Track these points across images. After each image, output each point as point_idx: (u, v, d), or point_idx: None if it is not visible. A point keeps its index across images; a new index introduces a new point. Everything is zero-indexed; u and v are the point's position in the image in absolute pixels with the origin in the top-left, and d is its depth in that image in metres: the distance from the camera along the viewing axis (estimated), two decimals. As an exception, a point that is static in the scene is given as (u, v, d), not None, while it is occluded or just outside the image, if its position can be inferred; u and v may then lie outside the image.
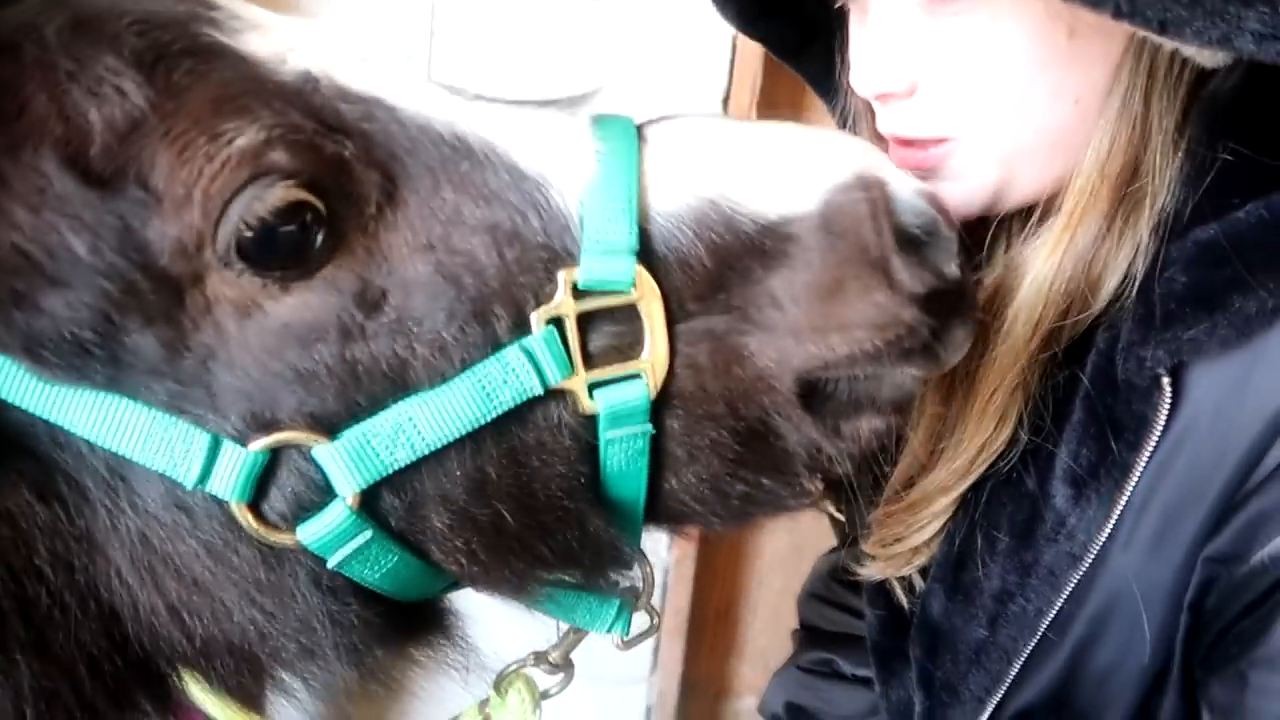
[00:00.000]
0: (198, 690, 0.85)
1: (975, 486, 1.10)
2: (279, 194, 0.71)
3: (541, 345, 0.78)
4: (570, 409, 0.80)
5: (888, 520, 1.15)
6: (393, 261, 0.76)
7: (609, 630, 0.93)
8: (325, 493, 0.76)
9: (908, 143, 1.02)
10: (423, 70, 2.81)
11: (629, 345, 0.80)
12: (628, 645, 0.94)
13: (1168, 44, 0.87)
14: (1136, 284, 0.95)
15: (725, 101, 2.74)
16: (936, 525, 1.12)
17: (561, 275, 0.78)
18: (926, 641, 1.18)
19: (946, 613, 1.14)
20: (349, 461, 0.75)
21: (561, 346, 0.78)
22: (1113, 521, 0.97)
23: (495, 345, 0.78)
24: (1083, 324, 1.00)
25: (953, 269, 0.85)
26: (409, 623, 0.88)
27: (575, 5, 2.73)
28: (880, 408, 0.87)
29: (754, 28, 1.22)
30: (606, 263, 0.78)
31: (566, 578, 0.86)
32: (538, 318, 0.78)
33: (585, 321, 0.79)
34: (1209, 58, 0.92)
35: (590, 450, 0.81)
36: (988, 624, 1.08)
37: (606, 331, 0.80)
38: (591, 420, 0.80)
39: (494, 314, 0.78)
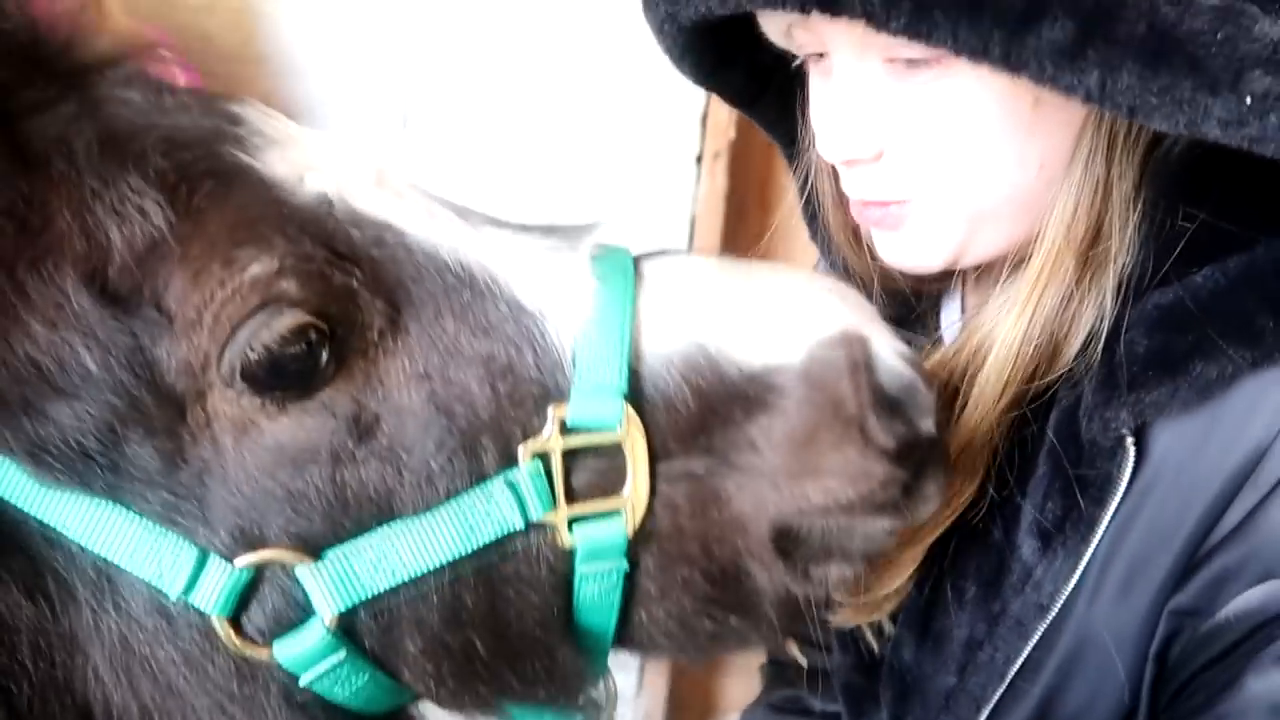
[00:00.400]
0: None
1: (943, 537, 1.10)
2: (286, 322, 0.72)
3: (526, 480, 0.78)
4: (549, 542, 0.80)
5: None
6: (389, 388, 0.77)
7: None
8: (304, 611, 0.77)
9: (869, 202, 1.03)
10: (400, 95, 2.82)
11: (610, 482, 0.80)
12: None
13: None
14: (1100, 344, 0.95)
15: (704, 119, 2.75)
16: (904, 575, 1.12)
17: (551, 411, 0.79)
18: (897, 687, 1.18)
19: (916, 660, 1.15)
20: (330, 584, 0.75)
21: (546, 481, 0.79)
22: (1079, 573, 0.97)
23: (481, 477, 0.78)
24: (1047, 381, 1.02)
25: (928, 426, 0.86)
26: None
27: (552, 24, 2.73)
28: (850, 557, 0.88)
29: (711, 80, 1.20)
30: (596, 403, 0.79)
31: (530, 700, 0.87)
32: (525, 452, 0.78)
33: (570, 457, 0.80)
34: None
35: (565, 582, 0.81)
36: (957, 671, 1.09)
37: (590, 468, 0.80)
38: (569, 554, 0.80)
39: (482, 446, 0.78)
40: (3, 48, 0.73)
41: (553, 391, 0.80)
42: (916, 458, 0.85)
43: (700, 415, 0.81)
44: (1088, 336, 0.98)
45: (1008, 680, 1.04)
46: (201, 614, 0.75)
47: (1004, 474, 1.04)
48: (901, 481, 0.84)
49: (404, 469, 0.77)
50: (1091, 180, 0.95)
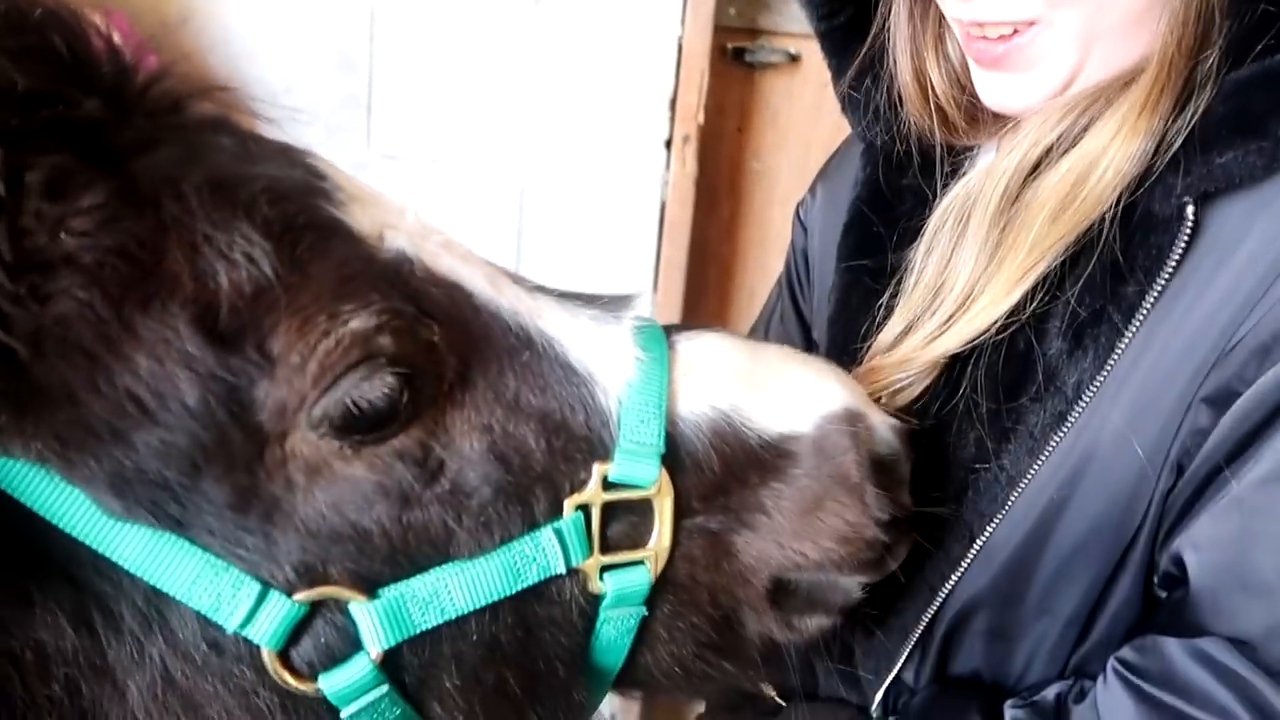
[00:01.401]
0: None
1: (959, 355, 1.05)
2: (385, 377, 0.75)
3: (570, 529, 0.84)
4: (581, 588, 0.85)
5: (869, 377, 1.11)
6: (454, 437, 0.81)
7: None
8: (353, 646, 0.79)
9: (986, 35, 0.98)
10: (365, 79, 2.77)
11: (640, 534, 0.87)
12: None
13: None
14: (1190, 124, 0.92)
15: (673, 104, 2.75)
16: (915, 390, 1.08)
17: (596, 468, 0.85)
18: None
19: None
20: (382, 621, 0.78)
21: (585, 531, 0.84)
22: (1106, 369, 0.94)
23: (531, 525, 0.83)
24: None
25: (906, 499, 0.96)
26: None
27: (520, 8, 2.71)
28: (829, 609, 0.98)
29: None
30: (637, 463, 0.86)
31: None
32: (570, 504, 0.84)
33: (606, 510, 0.86)
34: None
35: (590, 624, 0.87)
36: (955, 496, 1.04)
37: (624, 520, 0.87)
38: (597, 599, 0.86)
39: (535, 496, 0.83)
40: (99, 86, 0.74)
41: (598, 448, 0.86)
42: (896, 525, 0.94)
43: (722, 477, 0.89)
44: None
45: (1008, 506, 1.00)
46: (252, 647, 0.76)
47: (1047, 289, 0.99)
48: (884, 543, 0.94)
49: (464, 513, 0.81)
50: None
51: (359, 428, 0.76)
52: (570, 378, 0.86)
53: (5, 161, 0.66)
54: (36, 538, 0.72)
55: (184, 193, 0.73)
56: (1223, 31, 0.92)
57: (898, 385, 1.09)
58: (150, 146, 0.75)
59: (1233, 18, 0.91)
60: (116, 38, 0.78)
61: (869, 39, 1.19)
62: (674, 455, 0.87)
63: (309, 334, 0.73)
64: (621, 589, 0.86)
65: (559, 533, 0.83)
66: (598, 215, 2.87)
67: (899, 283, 1.13)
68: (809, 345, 1.39)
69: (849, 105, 1.26)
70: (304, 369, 0.73)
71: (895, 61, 1.15)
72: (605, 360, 0.88)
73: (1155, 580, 0.98)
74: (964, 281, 1.04)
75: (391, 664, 0.80)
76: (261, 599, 0.75)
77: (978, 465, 1.02)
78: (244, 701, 0.77)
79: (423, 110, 2.80)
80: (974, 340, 1.02)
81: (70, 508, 0.72)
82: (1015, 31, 0.97)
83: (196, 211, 0.73)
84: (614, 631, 0.88)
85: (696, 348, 0.93)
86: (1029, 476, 0.99)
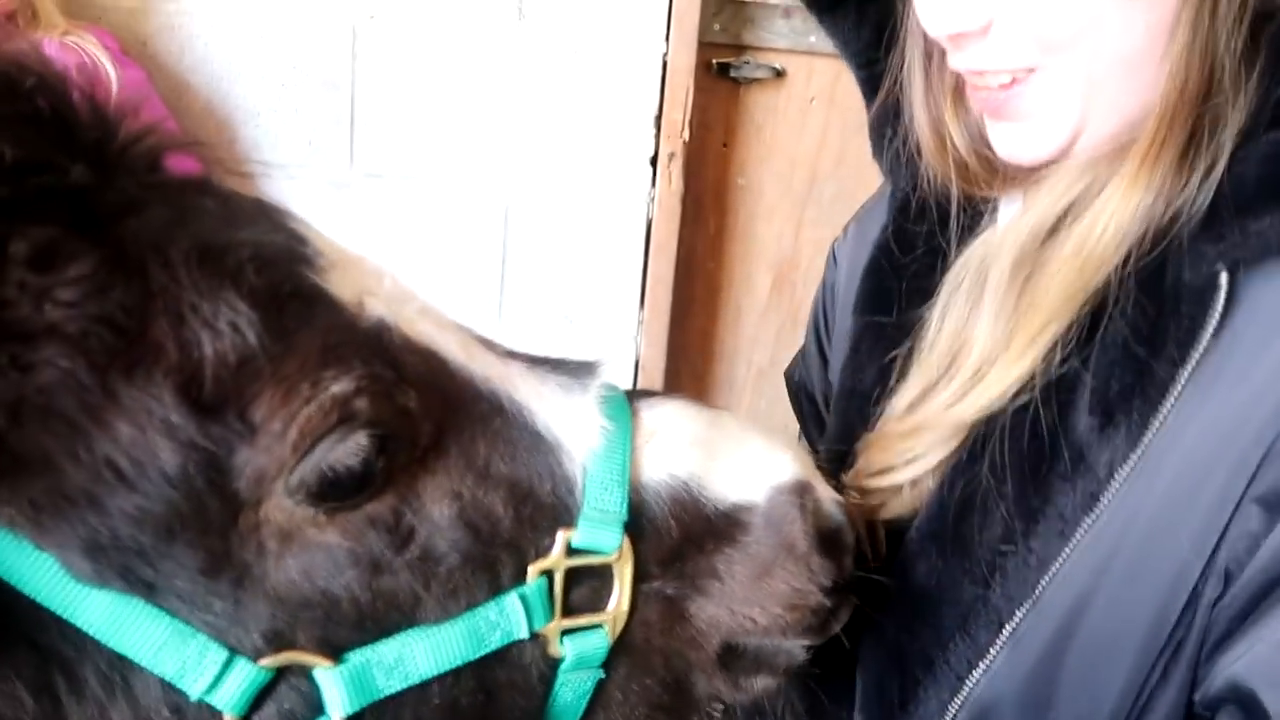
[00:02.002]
0: None
1: (979, 432, 1.00)
2: (359, 440, 0.76)
3: (534, 594, 0.85)
4: (541, 651, 0.87)
5: (882, 444, 1.08)
6: (426, 503, 0.82)
7: None
8: (315, 711, 0.79)
9: (988, 84, 0.98)
10: (347, 97, 2.75)
11: (599, 599, 0.89)
12: None
13: None
14: (1210, 194, 0.88)
15: (658, 120, 2.75)
16: (931, 460, 1.03)
17: (560, 535, 0.87)
18: (905, 612, 1.06)
19: (934, 572, 1.03)
20: (347, 686, 0.79)
21: (547, 596, 0.86)
22: (1140, 449, 0.87)
23: (496, 590, 0.84)
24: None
25: (849, 564, 1.00)
26: None
27: (504, 25, 2.70)
28: (774, 670, 1.01)
29: None
30: (600, 530, 0.88)
31: None
32: (534, 569, 0.85)
33: (569, 575, 0.87)
34: None
35: (548, 688, 0.89)
36: (983, 580, 0.97)
37: (585, 586, 0.89)
38: (556, 662, 0.88)
39: (501, 562, 0.85)
40: (84, 150, 0.74)
41: (563, 515, 0.87)
42: (840, 590, 0.98)
43: (679, 543, 0.92)
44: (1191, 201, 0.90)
45: (1038, 590, 0.93)
46: (215, 712, 0.76)
47: (1067, 352, 0.95)
48: (828, 609, 0.98)
49: (432, 579, 0.82)
50: (1199, 45, 0.89)
51: (334, 493, 0.76)
52: (539, 445, 0.88)
53: None
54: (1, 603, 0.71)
55: (171, 260, 0.73)
56: (1241, 83, 0.89)
57: (912, 455, 1.04)
58: (135, 209, 0.75)
59: (1260, 82, 0.88)
60: (98, 91, 0.77)
61: (884, 91, 1.19)
62: (635, 522, 0.90)
63: (292, 401, 0.73)
64: (581, 652, 0.87)
65: (523, 598, 0.84)
66: (583, 232, 2.86)
67: (912, 338, 1.11)
68: (826, 384, 1.39)
69: (876, 150, 1.26)
70: (285, 435, 0.73)
71: (912, 114, 1.14)
72: (572, 428, 0.90)
73: (1196, 699, 0.89)
74: (980, 345, 1.01)
75: None
76: (227, 665, 0.75)
77: (1004, 547, 0.95)
78: None
79: (406, 128, 2.78)
80: (992, 408, 0.98)
81: (38, 573, 0.71)
82: (1015, 80, 0.97)
83: (183, 279, 0.72)
84: (571, 694, 0.89)
85: (658, 415, 0.96)
86: (1059, 560, 0.92)
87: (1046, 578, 0.93)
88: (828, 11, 1.24)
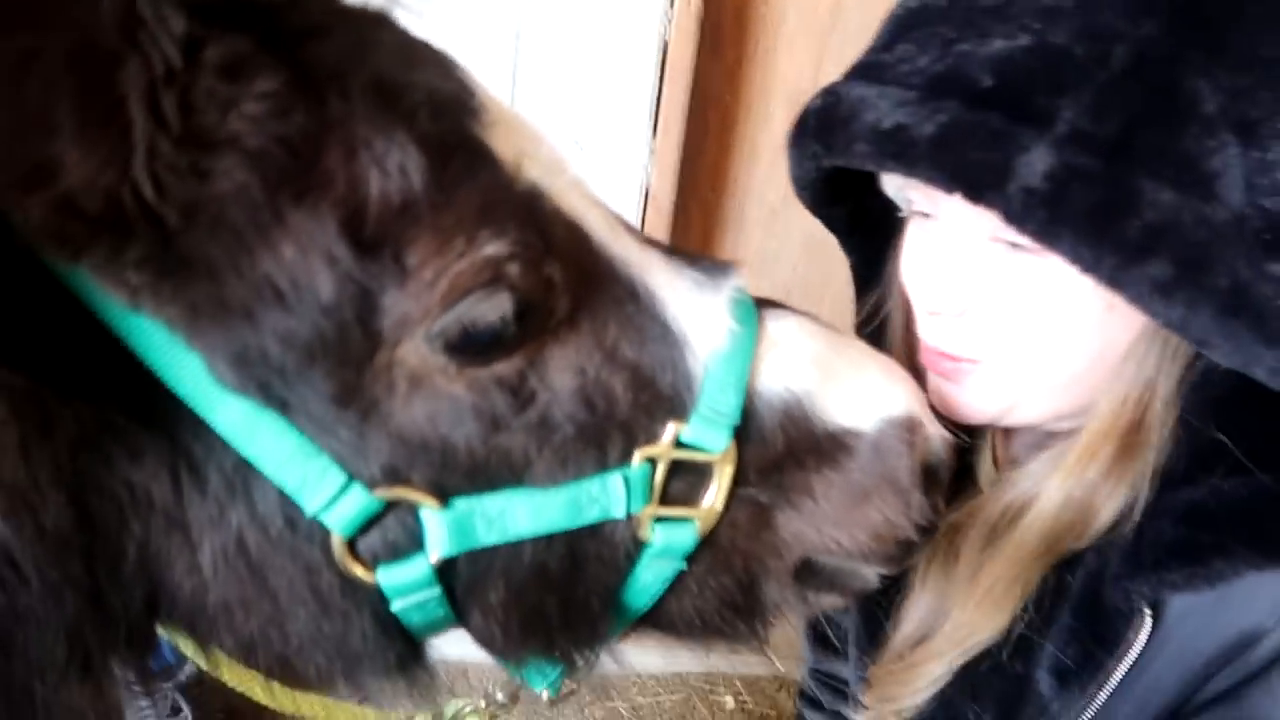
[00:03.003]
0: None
1: (966, 665, 1.21)
2: (503, 302, 0.78)
3: (636, 478, 0.87)
4: (632, 533, 0.90)
5: (887, 678, 1.27)
6: (551, 371, 0.84)
7: (543, 688, 1.04)
8: (416, 547, 0.83)
9: (942, 353, 1.13)
10: None
11: (695, 494, 0.91)
12: (553, 704, 1.06)
13: None
14: (1132, 523, 1.05)
15: (657, 100, 2.66)
16: (929, 692, 1.23)
17: (672, 426, 0.88)
18: None
19: None
20: (449, 529, 0.82)
21: (648, 482, 0.88)
22: (1093, 710, 1.09)
23: (602, 467, 0.87)
24: (1079, 543, 1.12)
25: (942, 506, 1.03)
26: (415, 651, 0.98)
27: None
28: (843, 591, 1.04)
29: (820, 209, 1.30)
30: (710, 430, 0.89)
31: (557, 657, 0.99)
32: (640, 454, 0.88)
33: (671, 466, 0.89)
34: None
35: (631, 568, 0.92)
36: None
37: (684, 479, 0.91)
38: (643, 546, 0.91)
39: (610, 441, 0.87)
40: None
41: (677, 409, 0.89)
42: (929, 529, 1.01)
43: (782, 455, 0.94)
44: (1117, 514, 1.08)
45: None
46: (324, 530, 0.80)
47: (1032, 615, 1.15)
48: (911, 543, 1.00)
49: (545, 445, 0.84)
50: (1142, 378, 1.05)
51: (469, 348, 0.78)
52: (666, 337, 0.89)
53: (187, 33, 0.64)
54: (147, 392, 0.74)
55: (350, 91, 0.73)
56: (1170, 425, 1.03)
57: (905, 695, 1.23)
58: (320, 34, 0.74)
59: (1181, 425, 1.02)
60: None
61: (864, 315, 1.33)
62: (744, 427, 0.91)
63: (446, 253, 0.75)
64: (669, 542, 0.90)
65: (626, 479, 0.87)
66: (596, 55, 2.76)
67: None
68: None
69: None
70: (435, 285, 0.75)
71: (892, 349, 1.25)
72: (700, 326, 0.91)
73: None
74: (953, 607, 1.20)
75: (447, 569, 0.85)
76: (344, 489, 0.79)
77: None
78: (307, 579, 0.82)
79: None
80: (963, 651, 1.18)
81: (183, 371, 0.74)
82: (968, 360, 1.10)
83: (359, 113, 0.73)
84: (651, 578, 0.93)
85: (784, 328, 0.97)
86: None
87: None
88: (845, 235, 1.34)
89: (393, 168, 0.73)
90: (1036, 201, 0.90)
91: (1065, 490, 1.10)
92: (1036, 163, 0.90)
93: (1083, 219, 0.90)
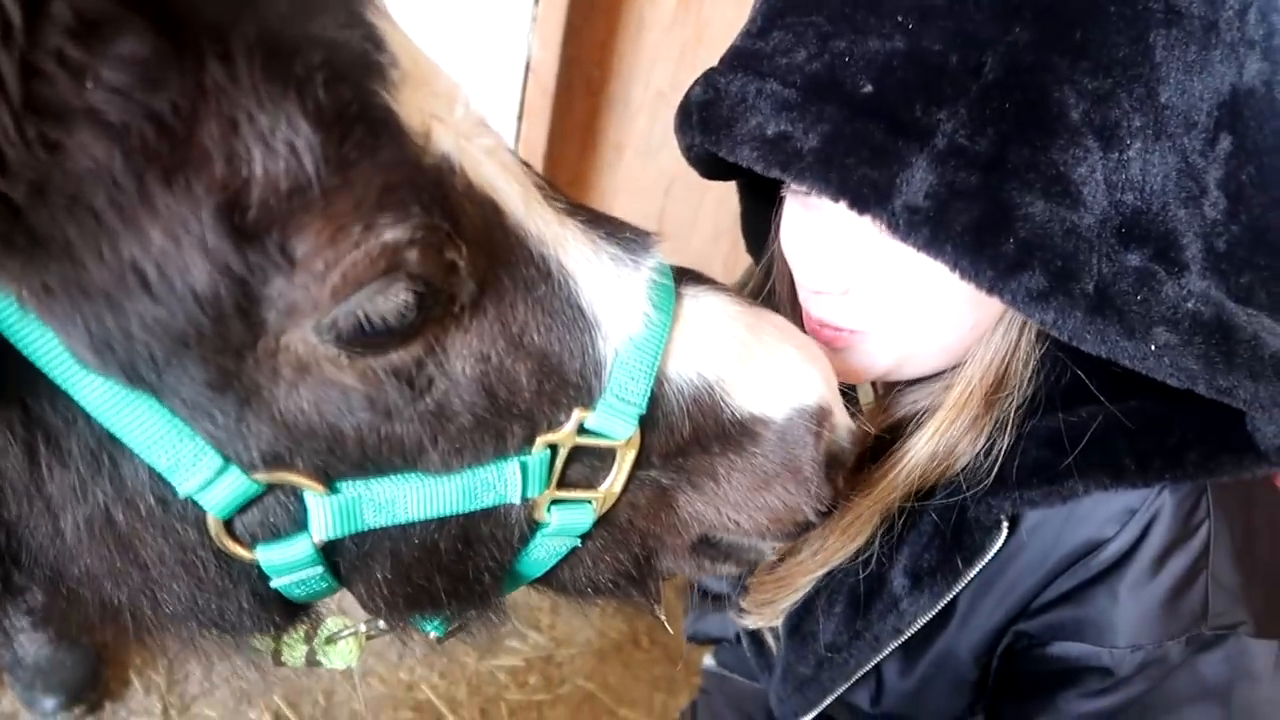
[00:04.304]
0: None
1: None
2: (400, 293, 0.72)
3: (535, 465, 0.85)
4: (527, 515, 0.88)
5: (760, 588, 1.40)
6: (451, 360, 0.79)
7: (430, 631, 1.05)
8: (298, 528, 0.80)
9: (826, 324, 1.19)
10: None
11: (595, 477, 0.90)
12: (439, 641, 1.07)
13: None
14: (999, 456, 1.17)
15: (527, 67, 2.51)
16: (799, 595, 1.38)
17: (576, 414, 0.85)
18: (774, 664, 1.54)
19: (787, 648, 1.47)
20: (335, 514, 0.79)
21: (548, 468, 0.86)
22: (936, 610, 1.25)
23: (500, 454, 0.83)
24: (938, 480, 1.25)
25: (841, 488, 1.05)
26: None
27: None
28: (739, 561, 1.06)
29: (709, 173, 1.31)
30: (616, 418, 0.87)
31: (446, 618, 0.99)
32: (541, 441, 0.85)
33: (572, 451, 0.87)
34: None
35: (524, 546, 0.91)
36: (814, 666, 1.41)
37: (585, 463, 0.89)
38: (538, 526, 0.90)
39: (512, 432, 0.83)
40: None
41: (584, 396, 0.86)
42: (828, 512, 1.03)
43: (688, 441, 0.93)
44: (977, 453, 1.21)
45: (852, 680, 1.37)
46: (199, 510, 0.77)
47: (893, 527, 1.27)
48: (808, 524, 1.01)
49: (440, 435, 0.80)
50: (1008, 341, 1.14)
51: (362, 340, 0.73)
52: (577, 322, 0.85)
53: None
54: None
55: (232, 53, 0.63)
56: (1032, 371, 1.15)
57: (780, 601, 1.38)
58: None
59: (1043, 363, 1.14)
60: None
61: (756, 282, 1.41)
62: (651, 413, 0.89)
63: (340, 243, 0.68)
64: (564, 522, 0.90)
65: (524, 466, 0.84)
66: None
67: None
68: None
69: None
70: (326, 277, 0.69)
71: (783, 310, 1.29)
72: (614, 310, 0.87)
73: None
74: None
75: (330, 548, 0.82)
76: (220, 472, 0.75)
77: (832, 649, 1.38)
78: (180, 555, 0.79)
79: None
80: (826, 566, 1.31)
81: (40, 344, 0.68)
82: (849, 331, 1.17)
83: (243, 80, 0.63)
84: (544, 554, 0.92)
85: (701, 307, 0.94)
86: (869, 665, 1.35)
87: (860, 673, 1.36)
88: (719, 177, 1.33)
89: (280, 146, 0.64)
90: (920, 219, 0.95)
91: (933, 445, 1.20)
92: (918, 180, 0.96)
93: (962, 236, 0.95)
